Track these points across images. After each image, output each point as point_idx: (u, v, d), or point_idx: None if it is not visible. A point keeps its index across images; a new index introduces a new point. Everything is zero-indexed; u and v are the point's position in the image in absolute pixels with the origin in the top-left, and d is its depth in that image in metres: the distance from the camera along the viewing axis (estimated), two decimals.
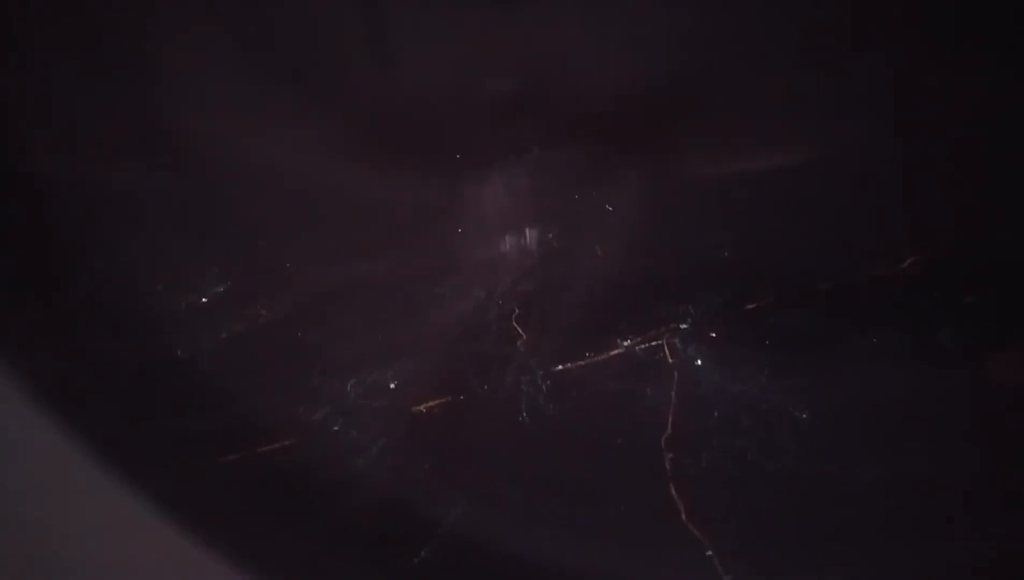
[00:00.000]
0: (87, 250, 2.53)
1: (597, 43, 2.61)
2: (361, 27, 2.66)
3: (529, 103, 2.66)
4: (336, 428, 2.41)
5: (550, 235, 2.79)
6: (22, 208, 2.45)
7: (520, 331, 2.64)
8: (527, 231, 2.79)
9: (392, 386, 2.52)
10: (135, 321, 2.55)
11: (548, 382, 2.48)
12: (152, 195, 2.60)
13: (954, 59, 2.42)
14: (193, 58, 2.60)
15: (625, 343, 2.54)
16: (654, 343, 2.52)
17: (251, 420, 2.43)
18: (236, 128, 2.60)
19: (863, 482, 2.21)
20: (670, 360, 2.47)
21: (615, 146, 2.70)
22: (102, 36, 2.54)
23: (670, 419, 2.33)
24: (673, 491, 2.23)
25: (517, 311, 2.67)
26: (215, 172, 2.66)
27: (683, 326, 2.53)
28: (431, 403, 2.47)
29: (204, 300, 2.64)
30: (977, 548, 2.14)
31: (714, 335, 2.48)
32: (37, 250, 2.47)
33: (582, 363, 2.53)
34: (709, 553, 2.21)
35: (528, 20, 2.57)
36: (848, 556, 2.16)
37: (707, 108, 2.63)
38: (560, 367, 2.52)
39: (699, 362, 2.45)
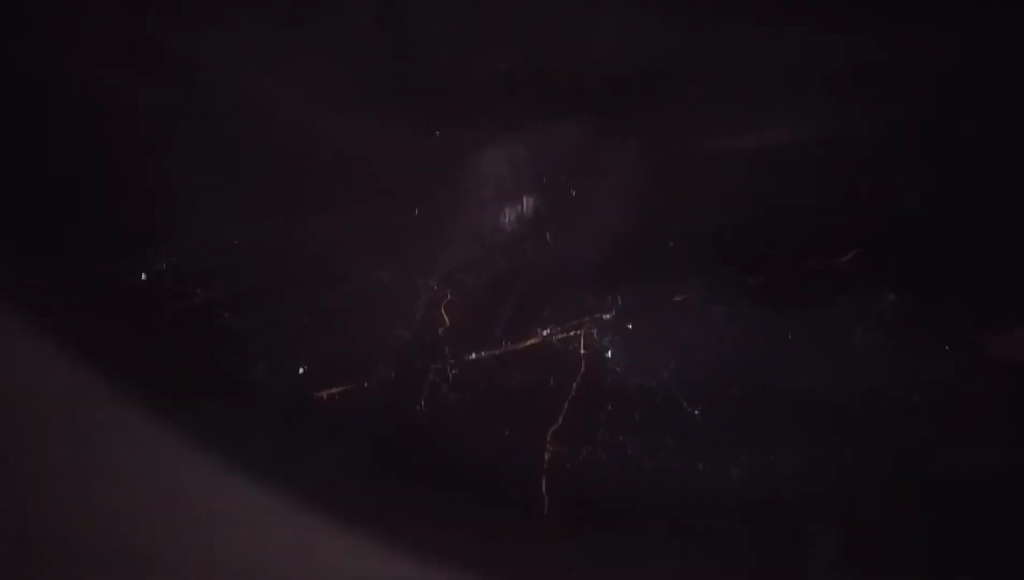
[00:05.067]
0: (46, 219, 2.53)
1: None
2: None
3: (522, 79, 2.58)
4: (232, 411, 2.36)
5: (505, 221, 2.72)
6: None
7: (445, 318, 2.56)
8: (482, 217, 2.72)
9: (301, 371, 2.46)
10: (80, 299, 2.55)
11: (456, 371, 2.39)
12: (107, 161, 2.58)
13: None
14: None
15: (544, 333, 2.44)
16: (573, 333, 2.41)
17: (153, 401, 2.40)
18: (224, 64, 2.55)
19: (732, 480, 2.12)
20: (582, 351, 2.37)
21: (592, 128, 2.60)
22: None
23: (563, 411, 2.25)
24: (543, 486, 2.15)
25: (449, 297, 2.59)
26: (196, 112, 2.60)
27: (606, 317, 2.43)
28: (334, 390, 2.41)
29: (144, 277, 2.62)
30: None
31: (630, 327, 2.38)
32: None
33: (496, 352, 2.43)
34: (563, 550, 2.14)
35: None
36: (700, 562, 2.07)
37: (684, 90, 2.54)
38: (473, 356, 2.44)
39: (609, 354, 2.35)
